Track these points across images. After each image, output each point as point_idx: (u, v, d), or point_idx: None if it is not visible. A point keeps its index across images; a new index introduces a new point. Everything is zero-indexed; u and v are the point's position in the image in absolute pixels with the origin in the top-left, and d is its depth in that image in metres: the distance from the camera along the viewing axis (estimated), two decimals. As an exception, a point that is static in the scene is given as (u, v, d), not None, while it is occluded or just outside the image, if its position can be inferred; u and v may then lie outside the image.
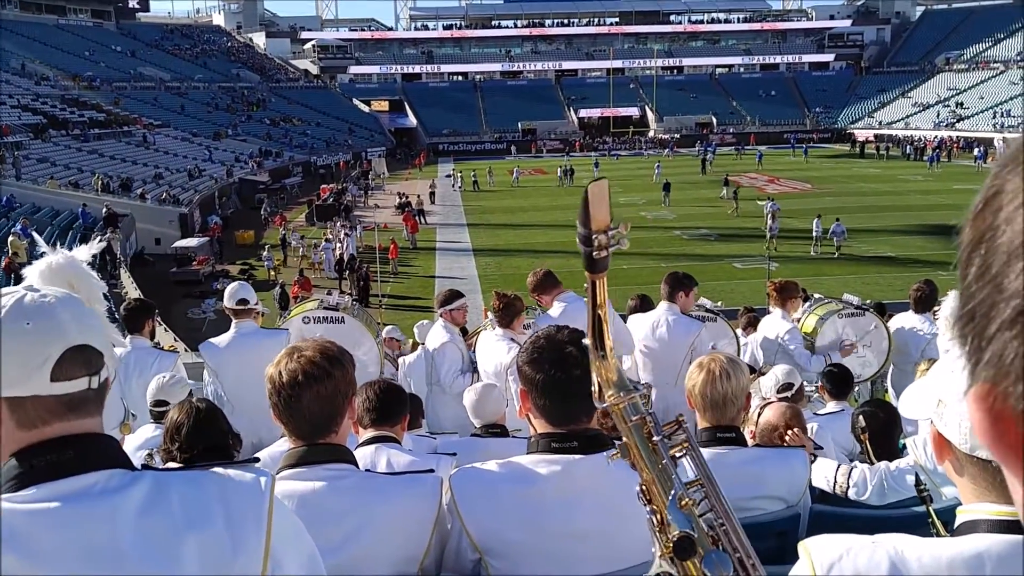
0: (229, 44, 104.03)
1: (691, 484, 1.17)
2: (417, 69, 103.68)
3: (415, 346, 9.45)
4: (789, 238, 34.25)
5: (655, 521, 1.17)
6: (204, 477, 1.53)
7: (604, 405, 1.26)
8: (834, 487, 4.16)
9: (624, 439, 1.23)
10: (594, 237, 1.14)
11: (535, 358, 2.34)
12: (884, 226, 37.11)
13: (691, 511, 1.13)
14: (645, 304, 8.19)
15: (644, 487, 1.20)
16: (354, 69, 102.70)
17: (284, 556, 1.53)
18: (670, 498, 1.15)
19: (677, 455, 1.21)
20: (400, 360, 8.26)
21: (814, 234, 32.53)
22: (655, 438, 1.20)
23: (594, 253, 1.15)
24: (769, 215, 33.83)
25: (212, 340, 6.66)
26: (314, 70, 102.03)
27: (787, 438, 4.02)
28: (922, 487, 2.96)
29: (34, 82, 65.06)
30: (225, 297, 6.74)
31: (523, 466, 2.39)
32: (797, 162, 65.17)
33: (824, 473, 4.20)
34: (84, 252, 1.87)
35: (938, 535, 2.59)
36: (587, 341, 1.28)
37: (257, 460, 1.80)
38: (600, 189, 1.14)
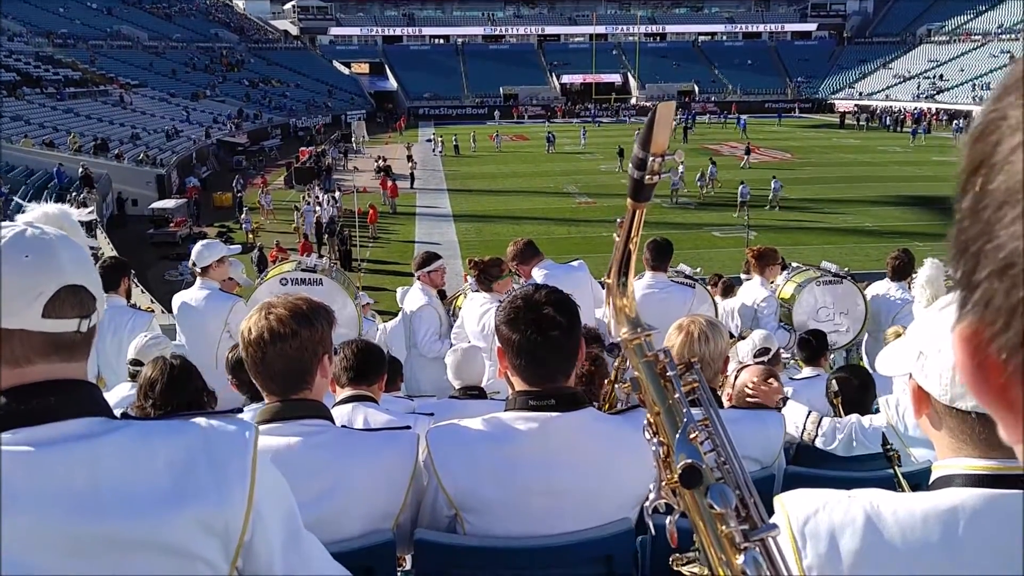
0: (207, 3, 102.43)
1: (698, 423, 1.17)
2: (398, 31, 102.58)
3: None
4: (759, 206, 34.58)
5: (661, 453, 1.17)
6: (188, 427, 1.51)
7: (618, 339, 1.26)
8: (802, 433, 4.20)
9: (636, 374, 1.23)
10: (651, 160, 1.12)
11: (512, 318, 2.33)
12: (862, 196, 37.36)
13: (698, 446, 1.14)
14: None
15: (651, 420, 1.20)
16: (334, 30, 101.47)
17: (265, 509, 1.52)
18: (680, 430, 1.15)
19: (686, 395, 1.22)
20: (381, 326, 8.24)
21: (739, 200, 34.03)
22: (669, 373, 1.21)
23: (646, 177, 1.13)
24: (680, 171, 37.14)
25: (176, 296, 6.85)
26: (294, 31, 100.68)
27: (749, 386, 3.95)
28: (888, 447, 2.98)
29: (6, 38, 63.79)
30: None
31: (500, 423, 2.39)
32: (778, 131, 65.23)
33: (794, 420, 4.23)
34: (74, 213, 1.87)
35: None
36: (608, 278, 1.26)
37: (241, 411, 1.78)
38: (668, 111, 1.11)
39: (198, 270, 6.58)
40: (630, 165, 1.15)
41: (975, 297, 0.54)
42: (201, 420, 1.54)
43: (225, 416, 1.58)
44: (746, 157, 47.11)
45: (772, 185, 35.78)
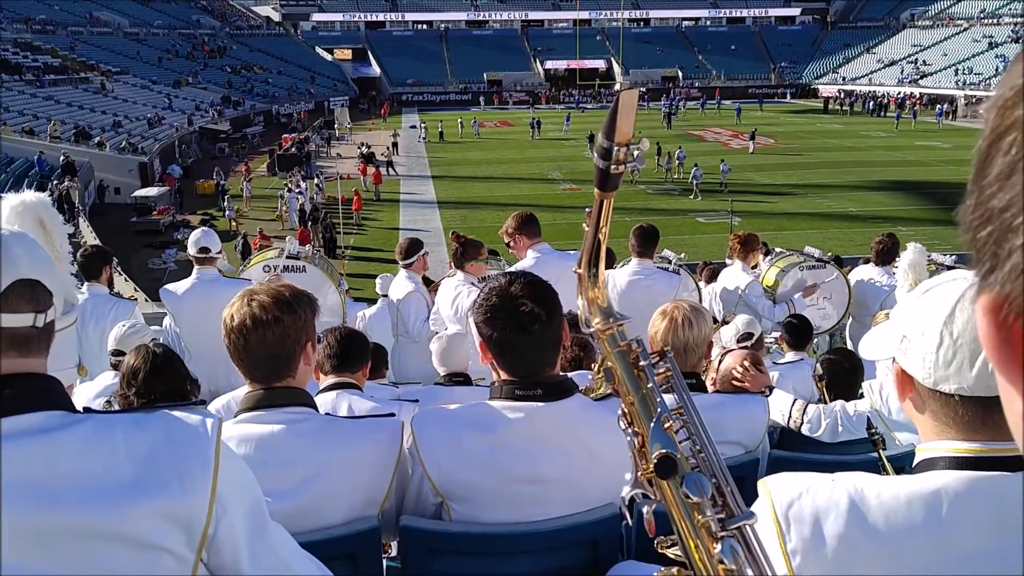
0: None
1: (672, 412, 1.17)
2: (381, 17, 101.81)
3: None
4: (743, 192, 34.81)
5: (636, 444, 1.17)
6: (150, 419, 1.51)
7: (591, 331, 1.25)
8: (788, 420, 4.22)
9: (608, 364, 1.22)
10: (615, 150, 1.11)
11: (488, 316, 2.27)
12: (846, 181, 37.52)
13: (672, 435, 1.13)
14: (609, 257, 8.17)
15: (626, 411, 1.20)
16: (317, 16, 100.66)
17: (229, 500, 1.51)
18: (654, 420, 1.14)
19: (660, 384, 1.21)
20: (359, 314, 8.19)
21: (693, 182, 35.78)
22: (642, 363, 1.20)
23: (612, 167, 1.12)
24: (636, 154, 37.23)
25: (171, 285, 6.54)
26: (276, 17, 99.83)
27: (738, 370, 3.87)
28: (873, 431, 2.99)
29: (-16, 24, 63.20)
30: (188, 243, 6.59)
31: (486, 411, 2.37)
32: (762, 117, 65.32)
33: (779, 407, 4.25)
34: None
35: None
36: (578, 269, 1.26)
37: (204, 403, 1.78)
38: (631, 99, 1.10)
39: (215, 254, 6.39)
40: (595, 155, 1.14)
41: (1006, 268, 0.51)
42: (164, 412, 1.54)
43: (189, 408, 1.58)
44: (751, 143, 47.85)
45: (721, 167, 36.86)
